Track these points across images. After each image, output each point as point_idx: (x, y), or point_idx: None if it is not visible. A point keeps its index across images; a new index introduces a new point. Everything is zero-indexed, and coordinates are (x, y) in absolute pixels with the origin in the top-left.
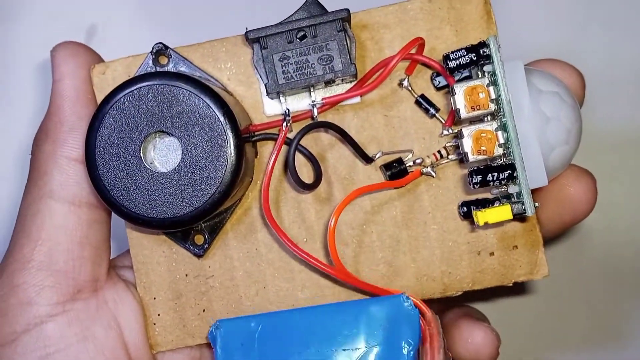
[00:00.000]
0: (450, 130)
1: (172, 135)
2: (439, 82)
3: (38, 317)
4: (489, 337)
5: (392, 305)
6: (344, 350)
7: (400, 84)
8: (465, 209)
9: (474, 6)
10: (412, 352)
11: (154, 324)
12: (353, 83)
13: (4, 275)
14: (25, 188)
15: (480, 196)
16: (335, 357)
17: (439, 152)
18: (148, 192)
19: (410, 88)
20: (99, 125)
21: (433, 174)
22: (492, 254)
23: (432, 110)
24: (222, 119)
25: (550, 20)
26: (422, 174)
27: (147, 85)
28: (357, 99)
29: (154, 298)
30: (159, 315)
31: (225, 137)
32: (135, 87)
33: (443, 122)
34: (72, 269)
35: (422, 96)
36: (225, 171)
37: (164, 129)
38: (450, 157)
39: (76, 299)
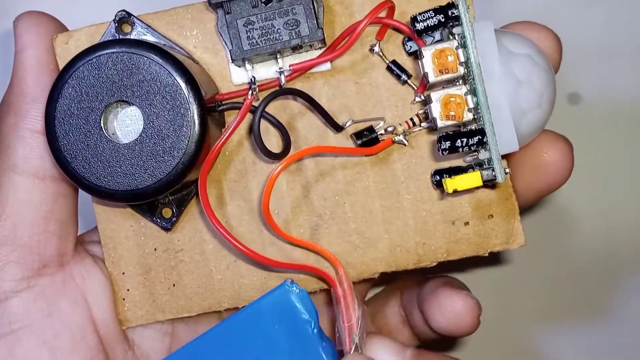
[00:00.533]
0: (422, 97)
1: (133, 104)
2: (411, 46)
3: (2, 293)
4: (469, 305)
5: (279, 299)
6: None
7: (372, 50)
8: (438, 177)
9: None
10: (315, 329)
11: (123, 299)
12: (322, 49)
13: None
14: None
15: (454, 164)
16: None
17: (411, 119)
18: (110, 163)
19: (381, 54)
20: (58, 95)
21: (405, 142)
22: (467, 223)
23: (403, 77)
24: (184, 87)
25: None
26: (394, 142)
27: (106, 54)
28: (327, 66)
29: (123, 273)
30: (128, 290)
31: (188, 106)
32: (94, 56)
33: (415, 88)
34: (37, 243)
35: (394, 62)
36: (188, 141)
37: (124, 98)
38: (422, 124)
39: (42, 274)
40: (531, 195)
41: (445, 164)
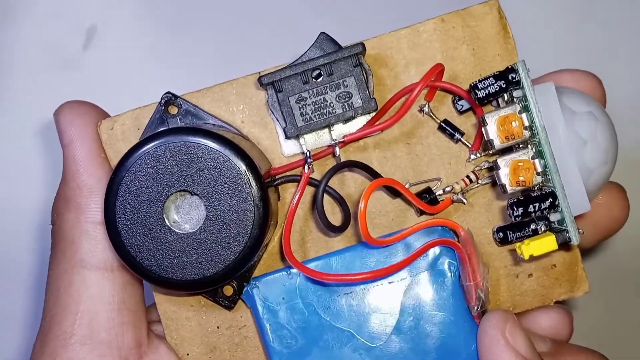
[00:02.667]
0: (477, 155)
1: (194, 194)
2: (462, 105)
3: None
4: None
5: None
6: (390, 283)
7: (421, 110)
8: (502, 234)
9: (489, 22)
10: (455, 274)
11: None
12: (372, 114)
13: (47, 353)
14: (51, 258)
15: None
16: (383, 291)
17: (467, 177)
18: (175, 253)
19: (432, 114)
20: (116, 191)
21: (464, 200)
22: (530, 275)
23: (457, 135)
24: (244, 171)
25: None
26: (452, 201)
27: (162, 145)
28: (377, 131)
29: (187, 354)
30: None
31: (249, 189)
32: (150, 148)
33: (469, 146)
34: (115, 337)
35: (445, 121)
36: (252, 225)
37: (185, 188)
38: (480, 181)
39: None
40: (589, 243)
41: (507, 220)
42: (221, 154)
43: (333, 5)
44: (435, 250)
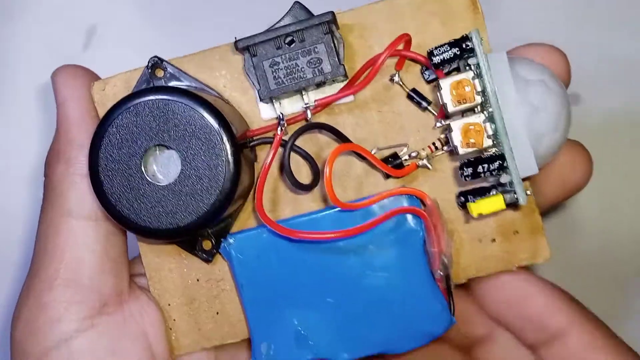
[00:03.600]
0: (442, 122)
1: (171, 148)
2: (429, 75)
3: (67, 333)
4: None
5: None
6: (357, 244)
7: (392, 80)
8: (463, 198)
9: None
10: (422, 239)
11: (170, 329)
12: (344, 82)
13: (31, 296)
14: (42, 209)
15: (477, 185)
16: (350, 251)
17: (433, 144)
18: (153, 204)
19: (401, 83)
20: (100, 143)
21: (429, 166)
22: (493, 240)
23: (424, 104)
24: (217, 129)
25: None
26: (418, 166)
27: (143, 102)
28: (351, 98)
29: (169, 304)
30: (174, 320)
31: (222, 146)
32: (131, 104)
33: (435, 114)
34: (97, 283)
35: (414, 90)
36: (224, 179)
37: (162, 143)
38: (444, 148)
39: (103, 313)
40: (550, 203)
41: (469, 185)
42: (196, 111)
43: None
44: (403, 215)
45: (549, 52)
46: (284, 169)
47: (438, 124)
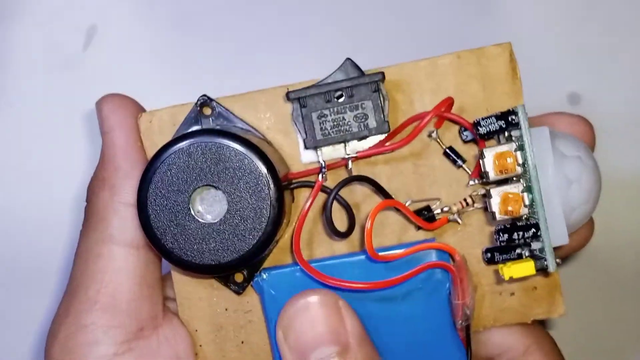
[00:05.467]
0: (475, 181)
1: (219, 188)
2: (467, 136)
3: (106, 356)
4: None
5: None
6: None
7: (429, 136)
8: (489, 255)
9: (500, 63)
10: (448, 290)
11: (196, 354)
12: (385, 134)
13: (71, 316)
14: (82, 232)
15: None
16: (378, 298)
17: (464, 200)
18: (197, 240)
19: (439, 140)
20: (151, 178)
21: (459, 220)
22: (512, 294)
23: (459, 162)
24: (265, 174)
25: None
26: (449, 220)
27: (196, 143)
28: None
29: (196, 330)
30: (200, 346)
31: (268, 190)
32: (185, 144)
33: (469, 173)
34: (134, 308)
35: (450, 148)
36: (267, 222)
37: (211, 183)
38: (475, 205)
39: (140, 337)
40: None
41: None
42: (246, 156)
43: (356, 29)
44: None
45: (578, 122)
46: (326, 217)
47: (471, 182)
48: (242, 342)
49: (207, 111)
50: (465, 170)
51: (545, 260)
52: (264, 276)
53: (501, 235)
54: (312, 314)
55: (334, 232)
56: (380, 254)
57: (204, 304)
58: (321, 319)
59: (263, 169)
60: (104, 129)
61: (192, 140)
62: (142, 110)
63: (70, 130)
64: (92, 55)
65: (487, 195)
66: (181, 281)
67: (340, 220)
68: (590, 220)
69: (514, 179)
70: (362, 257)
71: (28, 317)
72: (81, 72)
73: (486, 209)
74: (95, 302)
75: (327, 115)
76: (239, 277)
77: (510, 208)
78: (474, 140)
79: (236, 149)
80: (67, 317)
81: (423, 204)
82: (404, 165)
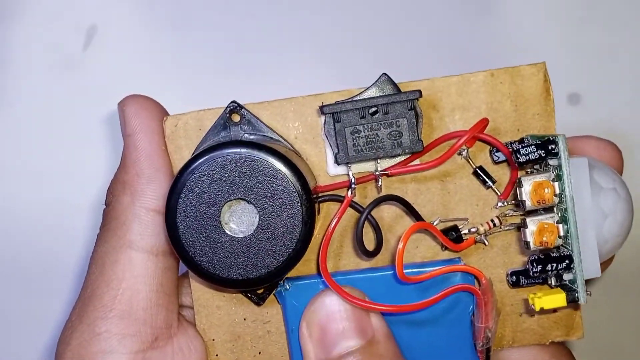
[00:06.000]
0: (505, 203)
1: (251, 202)
2: (498, 157)
3: None
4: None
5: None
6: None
7: (460, 154)
8: (515, 278)
9: (534, 83)
10: (471, 313)
11: None
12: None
13: (85, 323)
14: (100, 236)
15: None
16: (402, 317)
17: (492, 221)
18: (226, 254)
19: (469, 159)
20: (181, 187)
21: (486, 242)
22: (532, 315)
23: (489, 182)
24: (300, 191)
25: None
26: (475, 241)
27: (229, 154)
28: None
29: (213, 339)
30: (217, 355)
31: (301, 208)
32: (218, 154)
33: (499, 194)
34: (150, 317)
35: (481, 167)
36: (298, 240)
37: (243, 197)
38: (502, 227)
39: (154, 347)
40: None
41: (521, 261)
42: (281, 172)
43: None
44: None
45: (606, 147)
46: (357, 237)
47: (500, 204)
48: (260, 353)
49: (236, 118)
50: (495, 191)
51: (577, 292)
52: (287, 287)
53: (535, 266)
54: (338, 308)
55: (363, 251)
56: (408, 275)
57: (222, 313)
58: (347, 314)
59: (297, 186)
60: (127, 131)
61: (226, 150)
62: (166, 113)
63: (70, 130)
64: (92, 55)
65: (522, 225)
66: (200, 289)
67: (365, 236)
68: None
69: (547, 209)
70: (388, 273)
71: (39, 321)
72: (81, 72)
73: (514, 230)
74: (111, 310)
75: (360, 132)
76: (260, 289)
77: (545, 239)
78: (504, 162)
79: (271, 164)
80: (81, 323)
81: (450, 223)
82: (432, 183)
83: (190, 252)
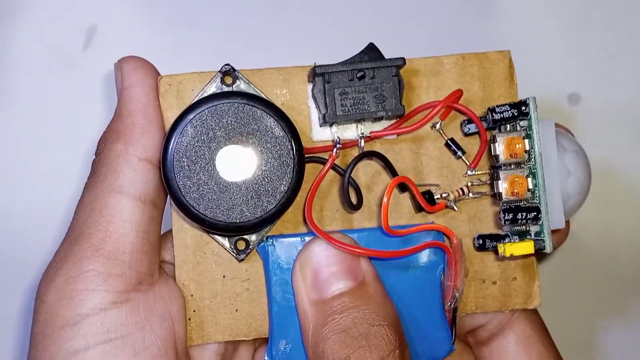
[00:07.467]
0: (473, 172)
1: (246, 149)
2: (469, 129)
3: (103, 303)
4: None
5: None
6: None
7: (433, 126)
8: (481, 241)
9: (500, 68)
10: (441, 272)
11: (189, 319)
12: (393, 120)
13: (71, 261)
14: (88, 183)
15: (493, 231)
16: (377, 269)
17: (461, 189)
18: (217, 198)
19: (441, 131)
20: (180, 132)
21: (455, 207)
22: (494, 282)
23: (459, 153)
24: (292, 141)
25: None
26: (446, 206)
27: (230, 102)
28: (394, 134)
29: (192, 295)
30: (194, 311)
31: (292, 158)
32: (218, 102)
33: (468, 164)
34: (135, 260)
35: (452, 139)
36: (288, 188)
37: (239, 143)
38: (470, 195)
39: (137, 290)
40: None
41: (485, 230)
42: (278, 124)
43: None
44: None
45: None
46: (343, 187)
47: (469, 172)
48: (237, 310)
49: (229, 80)
50: (464, 161)
51: (543, 241)
52: (271, 242)
53: (506, 214)
54: (330, 252)
55: (348, 204)
56: (394, 230)
57: (201, 269)
58: (338, 257)
59: (290, 136)
60: (124, 85)
61: (226, 99)
62: (159, 75)
63: (71, 130)
64: (92, 55)
65: (495, 177)
66: (182, 245)
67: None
68: (567, 223)
69: (518, 165)
70: (369, 233)
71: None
72: (81, 72)
73: (493, 195)
74: (98, 249)
75: (348, 93)
76: (241, 245)
77: (516, 190)
78: (474, 134)
79: (269, 114)
80: (67, 262)
81: (424, 189)
82: (406, 152)
83: (185, 194)
